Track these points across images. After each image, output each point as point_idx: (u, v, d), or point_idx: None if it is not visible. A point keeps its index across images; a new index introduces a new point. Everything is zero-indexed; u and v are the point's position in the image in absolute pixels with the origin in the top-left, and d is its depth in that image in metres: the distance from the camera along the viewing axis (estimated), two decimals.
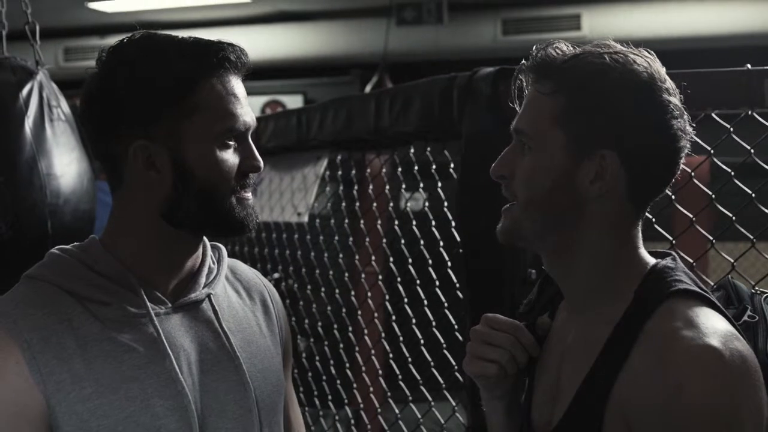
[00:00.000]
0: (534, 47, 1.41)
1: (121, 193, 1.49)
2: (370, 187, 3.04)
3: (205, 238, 1.58)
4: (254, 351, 1.57)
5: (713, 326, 1.28)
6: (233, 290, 1.63)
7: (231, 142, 1.47)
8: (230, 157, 1.46)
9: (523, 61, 1.43)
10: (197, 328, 1.52)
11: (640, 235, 1.42)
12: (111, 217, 1.52)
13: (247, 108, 1.49)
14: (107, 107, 1.45)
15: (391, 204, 3.02)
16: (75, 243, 1.53)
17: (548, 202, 1.38)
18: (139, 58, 1.45)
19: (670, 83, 1.37)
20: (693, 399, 1.22)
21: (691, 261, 1.84)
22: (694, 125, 1.40)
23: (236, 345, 1.53)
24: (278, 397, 1.61)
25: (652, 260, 1.41)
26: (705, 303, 1.33)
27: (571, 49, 1.40)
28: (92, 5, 7.90)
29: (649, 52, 1.39)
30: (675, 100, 1.36)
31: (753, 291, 1.53)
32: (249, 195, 1.50)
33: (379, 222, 3.01)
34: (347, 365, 3.16)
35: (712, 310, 1.32)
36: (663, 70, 1.38)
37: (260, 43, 7.80)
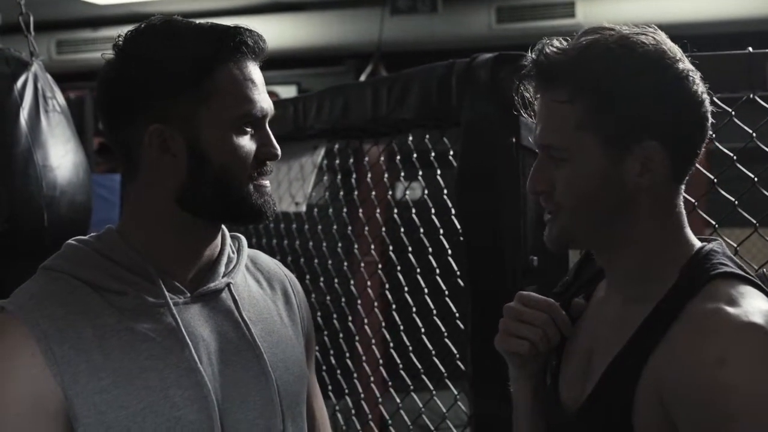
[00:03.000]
0: (529, 50, 1.39)
1: (137, 180, 1.48)
2: (368, 175, 3.03)
3: (224, 227, 1.56)
4: (275, 341, 1.56)
5: (758, 306, 1.28)
6: (254, 280, 1.62)
7: (248, 129, 1.45)
8: (247, 143, 1.45)
9: (524, 70, 1.40)
10: (217, 318, 1.50)
11: (684, 215, 1.41)
12: (127, 206, 1.51)
13: (265, 95, 1.48)
14: (123, 92, 1.44)
15: (390, 192, 3.01)
16: (92, 233, 1.52)
17: (598, 205, 1.37)
18: (156, 42, 1.44)
19: (676, 50, 1.37)
20: (734, 374, 1.22)
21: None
22: (706, 81, 1.39)
23: (257, 335, 1.52)
24: (301, 387, 1.59)
25: (698, 243, 1.41)
26: (750, 286, 1.33)
27: (566, 44, 1.37)
28: None
29: (649, 26, 1.38)
30: (688, 64, 1.36)
31: None
32: (267, 182, 1.49)
33: (378, 211, 2.99)
34: (347, 355, 3.15)
35: (758, 291, 1.32)
36: (668, 40, 1.37)
37: None
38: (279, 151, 1.49)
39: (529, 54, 1.40)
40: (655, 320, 1.34)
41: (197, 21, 1.48)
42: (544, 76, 1.38)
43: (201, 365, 1.44)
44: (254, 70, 1.47)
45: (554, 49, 1.36)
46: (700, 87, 1.36)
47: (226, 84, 1.43)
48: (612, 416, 1.35)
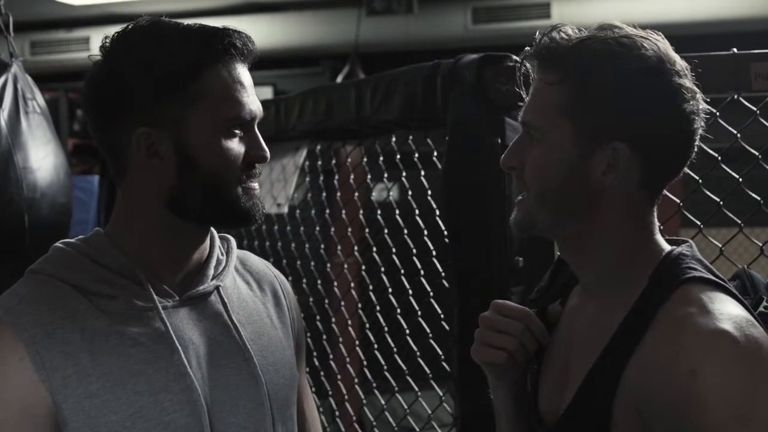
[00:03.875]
0: (538, 31, 1.39)
1: (125, 183, 1.47)
2: (351, 177, 3.02)
3: (213, 229, 1.56)
4: (265, 343, 1.55)
5: (728, 311, 1.27)
6: (243, 282, 1.61)
7: (236, 131, 1.44)
8: (235, 146, 1.44)
9: (527, 48, 1.41)
10: (206, 321, 1.49)
11: (655, 220, 1.40)
12: (116, 210, 1.50)
13: (254, 97, 1.47)
14: (110, 94, 1.43)
15: (373, 194, 3.00)
16: (80, 236, 1.50)
17: (561, 193, 1.36)
18: (144, 44, 1.43)
19: (680, 64, 1.35)
20: (706, 385, 1.21)
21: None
22: (708, 100, 1.38)
23: (246, 337, 1.51)
24: (291, 389, 1.58)
25: (667, 247, 1.40)
26: (720, 290, 1.32)
27: (577, 33, 1.37)
28: None
29: (657, 33, 1.37)
30: (686, 81, 1.34)
31: None
32: (255, 185, 1.48)
33: (361, 212, 2.99)
34: (331, 357, 3.14)
35: (728, 296, 1.31)
36: (672, 51, 1.36)
37: None
38: (268, 154, 1.48)
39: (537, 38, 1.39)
40: (628, 329, 1.33)
41: (185, 22, 1.46)
42: (541, 56, 1.38)
43: (190, 369, 1.43)
44: (243, 72, 1.46)
45: (560, 35, 1.36)
46: (693, 106, 1.34)
47: (214, 86, 1.42)
48: (590, 429, 1.35)
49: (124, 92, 1.41)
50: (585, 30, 1.38)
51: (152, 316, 1.43)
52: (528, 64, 1.41)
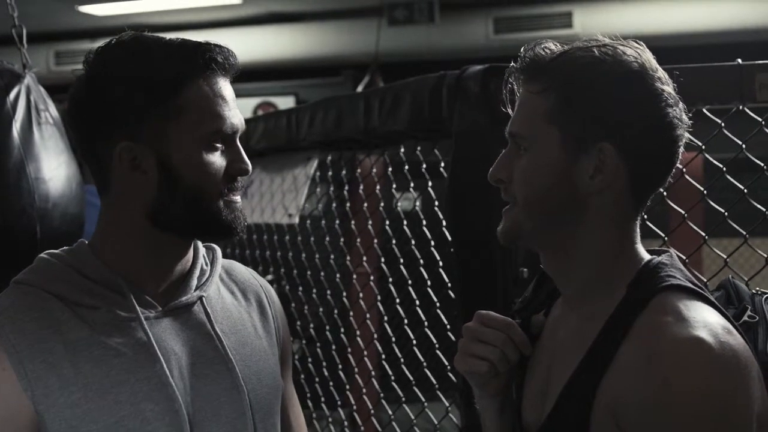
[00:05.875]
0: (522, 48, 1.40)
1: (109, 196, 1.49)
2: (361, 187, 3.03)
3: (197, 240, 1.57)
4: (249, 353, 1.56)
5: (703, 319, 1.27)
6: (228, 291, 1.62)
7: (218, 145, 1.46)
8: (217, 159, 1.45)
9: (513, 63, 1.42)
10: (188, 332, 1.50)
11: (638, 229, 1.41)
12: (99, 221, 1.51)
13: (235, 110, 1.48)
14: (93, 109, 1.45)
15: (382, 204, 3.01)
16: (64, 247, 1.52)
17: (549, 201, 1.37)
18: (125, 59, 1.44)
19: (662, 73, 1.36)
20: (679, 393, 1.21)
21: (684, 258, 1.82)
22: (690, 114, 1.39)
23: (229, 347, 1.52)
24: (274, 399, 1.59)
25: (647, 256, 1.40)
26: (697, 298, 1.32)
27: (560, 47, 1.38)
28: (82, 9, 7.88)
29: (638, 43, 1.38)
30: (668, 88, 1.35)
31: (754, 291, 1.52)
32: (237, 198, 1.49)
33: (371, 222, 2.99)
34: (340, 367, 3.15)
35: (705, 304, 1.31)
36: (654, 60, 1.37)
37: (251, 45, 7.78)
38: (250, 167, 1.49)
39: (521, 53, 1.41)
40: (606, 338, 1.33)
41: (167, 37, 1.48)
42: (525, 68, 1.39)
43: (172, 379, 1.44)
44: (225, 86, 1.47)
45: (543, 48, 1.38)
46: (676, 112, 1.35)
47: (195, 100, 1.44)
48: None
49: (107, 107, 1.43)
50: (567, 44, 1.39)
51: (135, 327, 1.45)
52: (514, 80, 1.42)
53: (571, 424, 1.34)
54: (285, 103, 8.85)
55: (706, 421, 1.20)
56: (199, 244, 1.59)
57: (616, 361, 1.30)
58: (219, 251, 1.64)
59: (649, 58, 1.37)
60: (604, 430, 1.30)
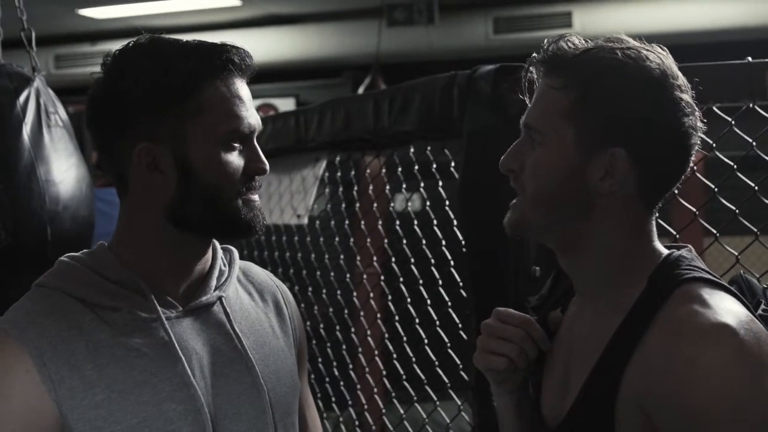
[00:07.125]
0: (546, 40, 1.41)
1: (128, 197, 1.50)
2: (370, 187, 3.04)
3: (215, 241, 1.58)
4: (267, 353, 1.57)
5: (729, 307, 1.28)
6: (245, 292, 1.63)
7: (236, 144, 1.47)
8: (235, 159, 1.47)
9: (534, 54, 1.42)
10: (209, 331, 1.52)
11: (653, 229, 1.42)
12: (119, 223, 1.52)
13: (252, 110, 1.49)
14: (111, 111, 1.46)
15: (392, 204, 3.02)
16: (84, 250, 1.53)
17: (557, 197, 1.38)
18: (143, 61, 1.45)
19: (682, 80, 1.37)
20: (707, 373, 1.22)
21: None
22: (704, 121, 1.40)
23: (249, 347, 1.53)
24: (293, 398, 1.60)
25: (666, 251, 1.41)
26: (720, 289, 1.33)
27: (584, 43, 1.39)
28: (82, 12, 7.88)
29: (662, 48, 1.39)
30: (686, 96, 1.36)
31: (766, 286, 1.53)
32: (256, 197, 1.50)
33: (380, 222, 3.00)
34: (350, 366, 3.15)
35: (728, 294, 1.32)
36: (675, 66, 1.38)
37: (251, 47, 7.61)
38: (267, 166, 1.50)
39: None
40: (628, 330, 1.34)
41: (184, 39, 1.49)
42: (547, 62, 1.39)
43: (194, 379, 1.45)
44: (241, 87, 1.49)
45: (567, 43, 1.39)
46: (692, 121, 1.36)
47: (213, 101, 1.45)
48: (594, 430, 1.36)
49: (125, 108, 1.44)
50: (592, 41, 1.40)
51: (156, 327, 1.46)
52: (534, 71, 1.43)
53: (595, 415, 1.35)
54: (285, 104, 8.85)
55: (729, 401, 1.22)
56: (217, 245, 1.60)
57: (640, 350, 1.31)
58: (236, 252, 1.66)
59: (670, 64, 1.37)
60: (629, 419, 1.31)
